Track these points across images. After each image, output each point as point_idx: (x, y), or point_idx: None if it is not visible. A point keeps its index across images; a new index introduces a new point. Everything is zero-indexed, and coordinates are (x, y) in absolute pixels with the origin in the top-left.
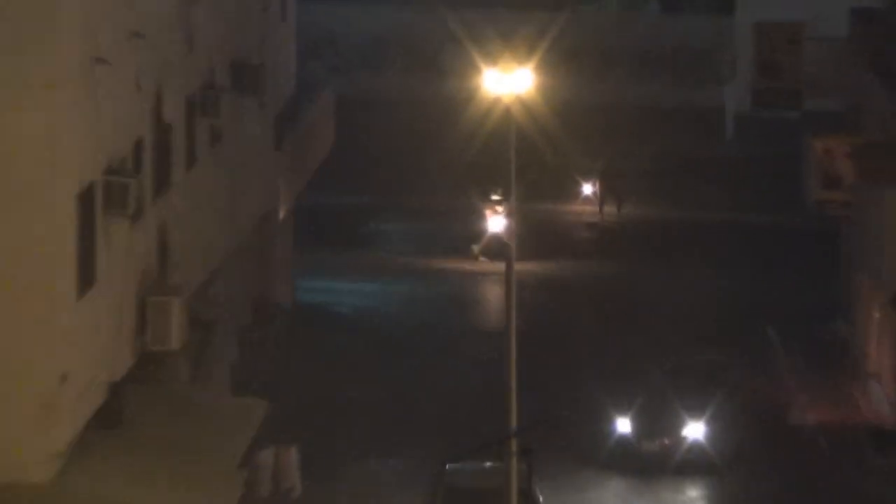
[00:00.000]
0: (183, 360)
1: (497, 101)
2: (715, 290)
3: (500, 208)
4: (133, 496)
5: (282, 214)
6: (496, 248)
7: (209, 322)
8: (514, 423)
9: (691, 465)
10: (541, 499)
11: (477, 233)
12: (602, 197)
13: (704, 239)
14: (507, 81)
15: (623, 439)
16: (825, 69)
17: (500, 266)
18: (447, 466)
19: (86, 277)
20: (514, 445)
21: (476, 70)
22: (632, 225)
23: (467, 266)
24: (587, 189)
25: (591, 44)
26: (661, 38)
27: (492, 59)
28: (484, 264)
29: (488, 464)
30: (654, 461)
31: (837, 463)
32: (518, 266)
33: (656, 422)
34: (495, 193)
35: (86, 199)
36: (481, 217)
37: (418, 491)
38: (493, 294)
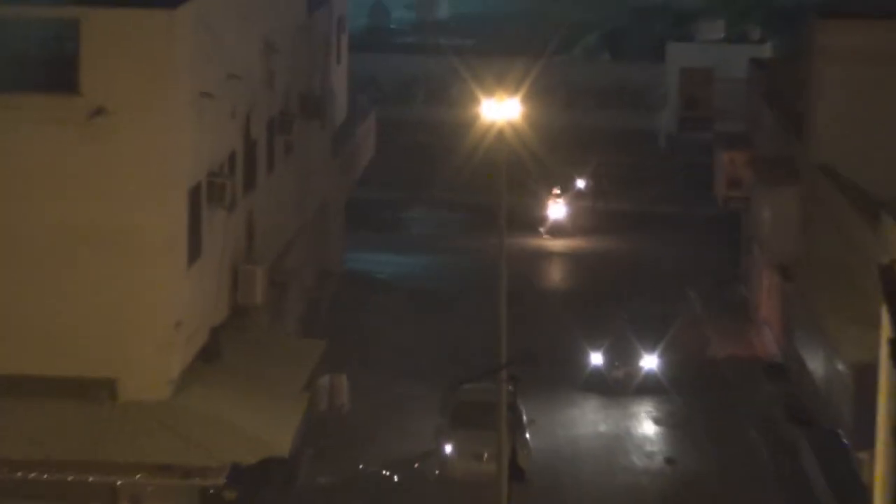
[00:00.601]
0: (264, 312)
1: (493, 124)
2: (656, 260)
3: (559, 199)
4: (227, 411)
5: (336, 205)
6: (554, 227)
7: (283, 284)
8: (503, 357)
9: (646, 387)
10: (523, 410)
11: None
12: (594, 191)
13: (648, 225)
14: (500, 109)
15: (596, 369)
16: (730, 101)
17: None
18: (457, 387)
19: (194, 251)
20: (503, 375)
21: (477, 101)
22: (606, 213)
23: (475, 243)
24: (580, 184)
25: (562, 82)
26: (612, 78)
27: (488, 93)
28: (488, 243)
29: (486, 385)
30: (619, 385)
31: (740, 386)
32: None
33: (621, 356)
34: (556, 188)
35: (195, 195)
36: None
37: (436, 405)
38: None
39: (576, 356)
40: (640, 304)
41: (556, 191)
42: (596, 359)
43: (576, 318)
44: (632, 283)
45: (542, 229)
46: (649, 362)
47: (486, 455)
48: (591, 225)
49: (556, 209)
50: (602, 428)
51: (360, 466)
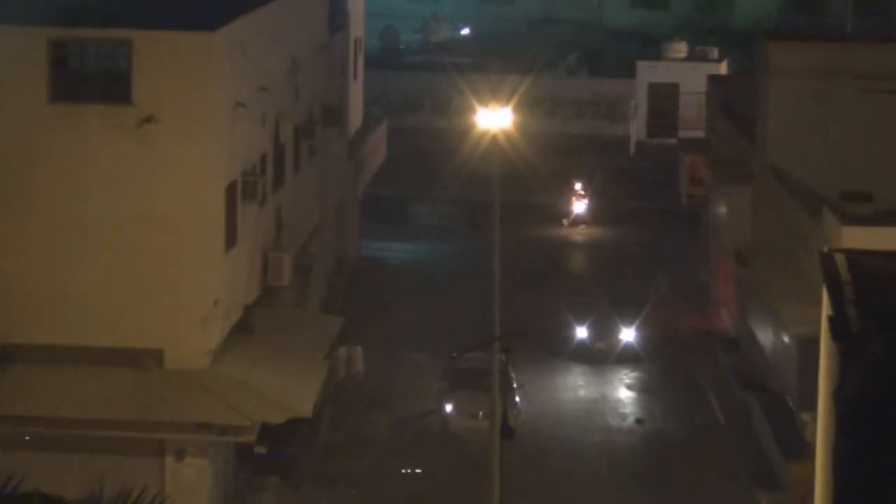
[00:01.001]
0: (290, 292)
1: (487, 131)
2: (631, 248)
3: (582, 196)
4: (257, 377)
5: (352, 200)
6: (576, 219)
7: (307, 268)
8: (497, 330)
9: (624, 357)
10: (514, 376)
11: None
12: (589, 190)
13: (625, 219)
14: (494, 119)
15: (580, 342)
16: (692, 112)
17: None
18: (455, 354)
19: (230, 240)
20: (496, 346)
21: (474, 111)
22: (597, 209)
23: (472, 233)
24: (577, 185)
25: (546, 95)
26: (589, 92)
27: (484, 104)
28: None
29: (481, 354)
30: (600, 355)
31: (701, 357)
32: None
33: (602, 330)
34: (578, 185)
35: (231, 191)
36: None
37: (438, 372)
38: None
39: (564, 330)
40: (620, 285)
41: (578, 187)
42: (581, 332)
43: (566, 296)
44: (615, 267)
45: (565, 221)
46: (627, 335)
47: (480, 413)
48: (593, 218)
49: (579, 204)
50: (583, 392)
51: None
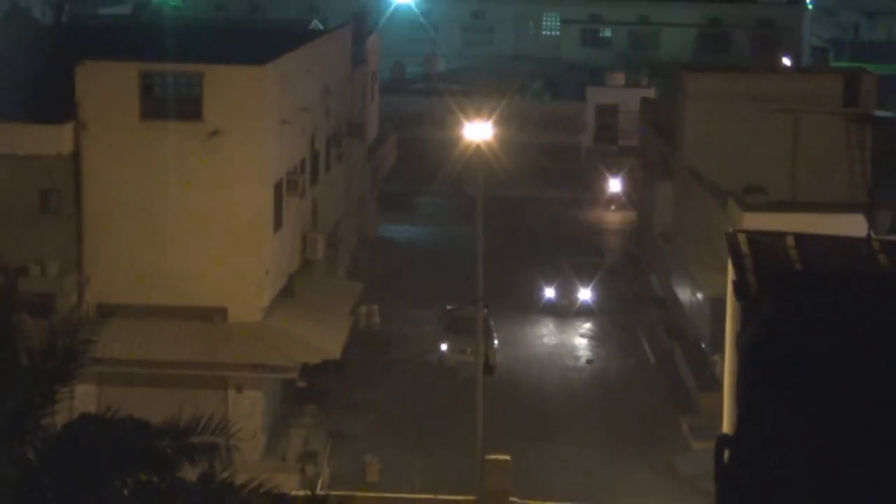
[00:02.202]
0: (323, 263)
1: (472, 141)
2: (585, 228)
3: (616, 175)
4: (299, 328)
5: (370, 194)
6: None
7: (336, 245)
8: (480, 291)
9: (581, 312)
10: (493, 325)
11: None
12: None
13: (573, 206)
14: (478, 132)
15: (548, 300)
16: (630, 125)
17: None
18: (449, 307)
19: (278, 223)
20: (479, 304)
21: (462, 126)
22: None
23: (464, 219)
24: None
25: (518, 113)
26: (551, 111)
27: (470, 120)
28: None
29: (467, 307)
30: (564, 310)
31: (637, 312)
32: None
33: (565, 290)
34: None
35: (278, 187)
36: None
37: (434, 322)
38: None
39: (535, 290)
40: (579, 256)
41: (612, 174)
42: (548, 292)
43: (534, 258)
44: (575, 242)
45: (612, 207)
46: (584, 295)
47: (468, 350)
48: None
49: (614, 183)
50: (546, 340)
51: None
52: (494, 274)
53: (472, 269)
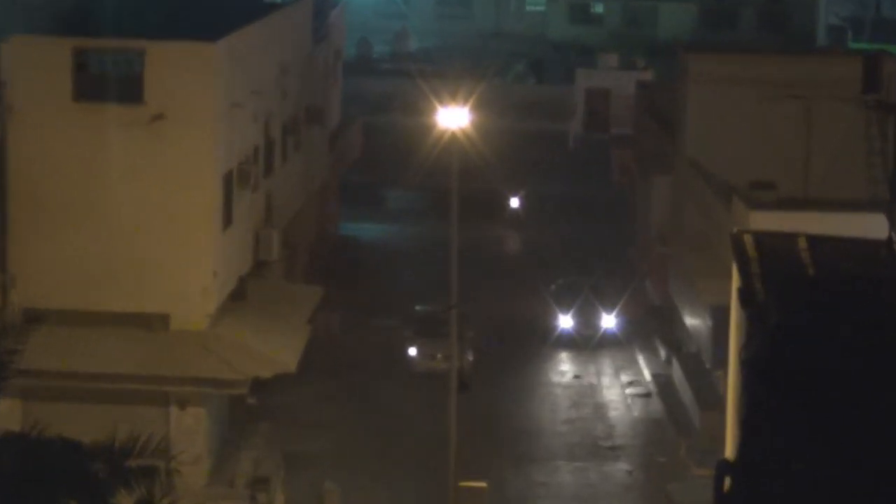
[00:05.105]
0: (278, 265)
1: (447, 129)
2: (569, 230)
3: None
4: (249, 338)
5: (332, 186)
6: None
7: (293, 244)
8: (454, 296)
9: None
10: (470, 334)
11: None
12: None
13: (564, 204)
14: (453, 118)
15: (564, 330)
16: (622, 112)
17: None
18: (418, 308)
19: (227, 220)
20: (453, 311)
21: (436, 111)
22: None
23: (434, 215)
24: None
25: (500, 98)
26: (535, 95)
27: (444, 105)
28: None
29: (436, 308)
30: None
31: (630, 324)
32: None
33: (585, 317)
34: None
35: (228, 178)
36: None
37: (403, 330)
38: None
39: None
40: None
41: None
42: (565, 321)
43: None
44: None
45: None
46: (608, 321)
47: (439, 355)
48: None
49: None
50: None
51: None
52: (469, 281)
53: (447, 273)
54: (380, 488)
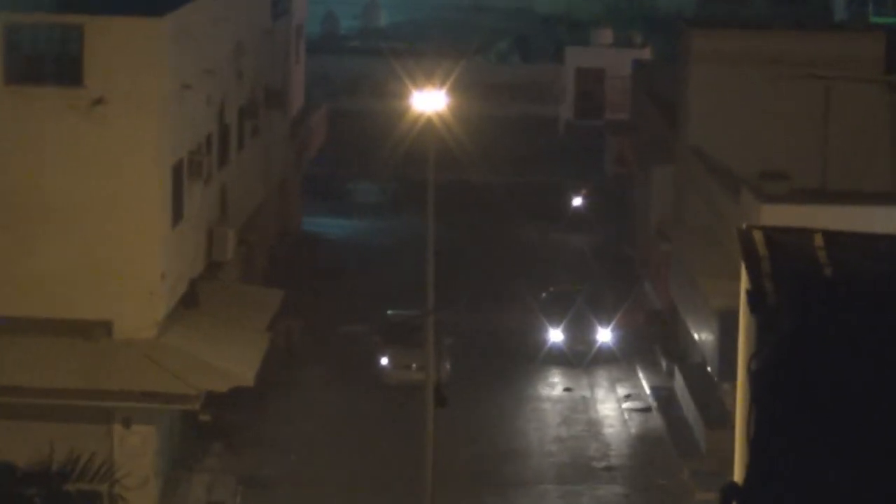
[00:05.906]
0: (234, 266)
1: (422, 114)
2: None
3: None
4: (202, 348)
5: (294, 178)
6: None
7: (250, 242)
8: (431, 299)
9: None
10: (447, 342)
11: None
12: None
13: (555, 192)
14: (429, 102)
15: (554, 345)
16: (617, 95)
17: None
18: (390, 312)
19: (177, 215)
20: (430, 317)
21: (410, 94)
22: None
23: (406, 210)
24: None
25: (481, 79)
26: (521, 76)
27: (419, 87)
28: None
29: (410, 313)
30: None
31: (627, 332)
32: None
33: (577, 331)
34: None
35: (177, 169)
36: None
37: (371, 339)
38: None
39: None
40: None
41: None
42: (555, 335)
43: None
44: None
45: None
46: (604, 335)
47: (413, 365)
48: None
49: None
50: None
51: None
52: (446, 278)
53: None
54: None
